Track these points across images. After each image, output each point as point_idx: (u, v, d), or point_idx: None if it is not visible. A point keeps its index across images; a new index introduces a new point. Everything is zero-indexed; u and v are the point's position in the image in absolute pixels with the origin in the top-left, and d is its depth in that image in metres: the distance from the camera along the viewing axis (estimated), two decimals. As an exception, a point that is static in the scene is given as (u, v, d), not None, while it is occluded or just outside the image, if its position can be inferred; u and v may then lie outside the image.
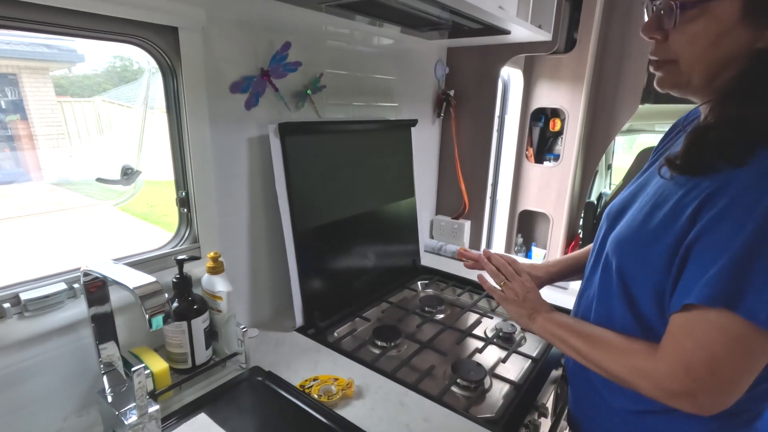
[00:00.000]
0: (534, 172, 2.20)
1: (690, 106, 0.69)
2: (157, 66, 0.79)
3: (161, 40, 0.75)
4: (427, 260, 1.48)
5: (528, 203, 2.21)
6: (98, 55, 0.98)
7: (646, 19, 0.61)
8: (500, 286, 0.82)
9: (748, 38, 0.50)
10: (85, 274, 0.62)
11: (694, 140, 0.55)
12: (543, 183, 2.16)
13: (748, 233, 0.46)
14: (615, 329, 0.63)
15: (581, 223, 2.33)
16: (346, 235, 1.14)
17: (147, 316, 0.52)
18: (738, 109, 0.51)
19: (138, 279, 0.54)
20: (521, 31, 1.15)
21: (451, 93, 1.49)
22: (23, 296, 0.65)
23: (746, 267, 0.47)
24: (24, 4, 0.59)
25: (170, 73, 0.79)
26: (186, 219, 0.87)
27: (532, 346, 1.05)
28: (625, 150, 3.67)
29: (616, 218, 0.68)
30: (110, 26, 0.69)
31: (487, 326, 1.12)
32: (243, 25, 0.87)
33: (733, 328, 0.48)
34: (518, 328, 1.09)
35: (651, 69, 0.60)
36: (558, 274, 0.90)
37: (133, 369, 0.61)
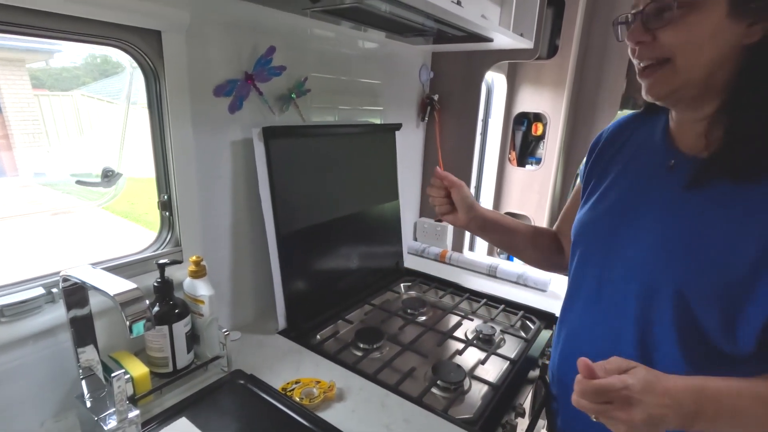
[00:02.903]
0: (516, 175, 2.24)
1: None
2: (138, 66, 0.78)
3: (144, 44, 0.75)
4: (410, 262, 1.50)
5: (510, 205, 2.25)
6: (77, 47, 0.96)
7: (618, 36, 0.63)
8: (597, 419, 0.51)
9: (737, 34, 0.52)
10: (65, 280, 0.62)
11: (747, 142, 0.53)
12: (525, 186, 2.21)
13: None
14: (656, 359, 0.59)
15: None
16: (329, 238, 1.15)
17: (128, 323, 0.52)
18: None
19: (118, 285, 0.54)
20: (504, 39, 1.17)
21: (436, 97, 1.51)
22: (0, 302, 0.64)
23: None
24: (5, 6, 0.58)
25: (153, 76, 0.79)
26: (168, 222, 0.87)
27: (510, 347, 1.08)
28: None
29: (608, 240, 0.66)
30: (91, 29, 0.68)
31: (468, 328, 1.14)
32: (227, 28, 0.87)
33: None
34: (498, 329, 1.11)
35: (641, 77, 0.60)
36: (489, 222, 0.85)
37: (112, 374, 0.61)
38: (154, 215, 0.89)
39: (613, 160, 0.73)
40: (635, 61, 0.60)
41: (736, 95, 0.55)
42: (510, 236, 0.89)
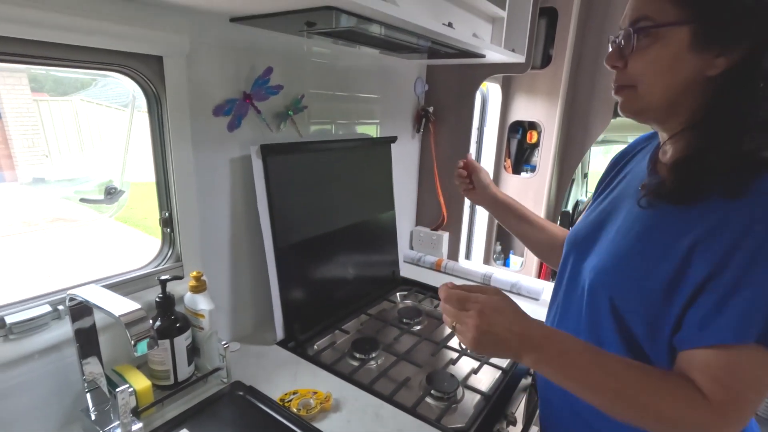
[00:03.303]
0: (512, 182, 2.27)
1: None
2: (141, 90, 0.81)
3: (147, 68, 0.78)
4: (406, 271, 1.53)
5: (506, 212, 2.28)
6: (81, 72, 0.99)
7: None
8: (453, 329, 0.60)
9: (699, 65, 0.54)
10: (71, 299, 0.64)
11: (682, 169, 0.56)
12: (520, 193, 2.24)
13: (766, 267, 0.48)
14: None
15: (558, 230, 2.41)
16: (326, 250, 1.18)
17: (132, 342, 0.54)
18: (720, 137, 0.54)
19: (123, 306, 0.57)
20: (496, 55, 1.20)
21: (431, 109, 1.54)
22: (8, 320, 0.67)
23: None
24: (8, 39, 0.61)
25: (155, 99, 0.82)
26: (169, 239, 0.90)
27: (503, 356, 1.11)
28: (603, 153, 3.81)
29: (586, 246, 0.71)
30: (96, 57, 0.71)
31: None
32: (225, 50, 0.90)
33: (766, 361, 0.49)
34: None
35: (615, 95, 0.63)
36: (500, 203, 1.01)
37: (117, 389, 0.64)
38: (153, 219, 0.91)
39: (616, 176, 0.78)
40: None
41: (693, 122, 0.57)
42: (517, 221, 1.00)
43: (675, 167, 0.58)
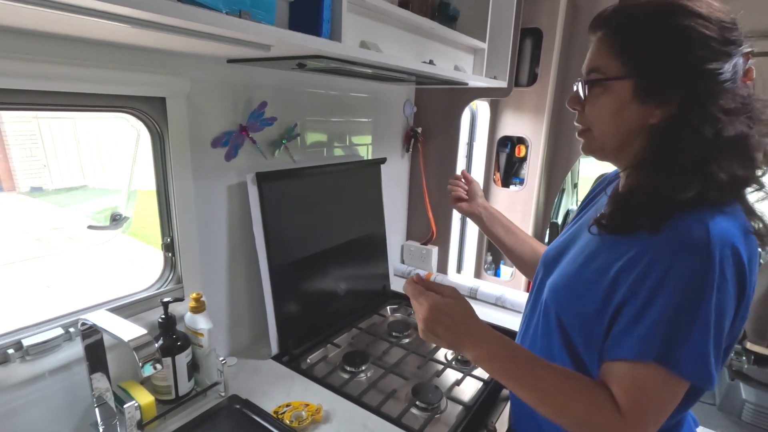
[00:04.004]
0: (501, 195, 2.34)
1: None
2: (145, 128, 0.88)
3: (151, 109, 0.85)
4: (397, 284, 1.59)
5: (496, 224, 2.35)
6: (91, 116, 1.06)
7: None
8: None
9: (642, 114, 0.61)
10: (82, 324, 0.71)
11: (617, 203, 0.64)
12: (509, 205, 2.31)
13: (668, 295, 0.54)
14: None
15: (546, 241, 2.49)
16: (318, 268, 1.25)
17: (140, 364, 0.61)
18: (649, 178, 0.60)
19: (131, 331, 0.64)
20: (479, 82, 1.28)
21: (419, 130, 1.62)
22: (25, 342, 0.73)
23: (671, 325, 0.54)
24: (21, 91, 0.68)
25: (158, 135, 0.89)
26: (170, 262, 0.97)
27: (486, 368, 1.17)
28: (591, 162, 3.88)
29: (553, 264, 0.78)
30: (105, 101, 0.78)
31: (448, 350, 1.23)
32: (223, 87, 0.97)
33: (672, 380, 0.56)
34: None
35: (578, 136, 0.71)
36: (491, 214, 1.07)
37: (125, 405, 0.70)
38: (150, 229, 0.97)
39: (591, 201, 0.86)
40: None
41: (635, 163, 0.65)
42: (504, 231, 1.05)
43: (613, 201, 0.66)
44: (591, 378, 0.63)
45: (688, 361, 0.54)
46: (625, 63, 0.61)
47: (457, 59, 1.19)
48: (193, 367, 0.93)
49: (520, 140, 2.32)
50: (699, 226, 0.55)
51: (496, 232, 1.05)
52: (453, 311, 0.65)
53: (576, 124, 0.70)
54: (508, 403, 1.11)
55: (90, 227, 0.95)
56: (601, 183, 0.87)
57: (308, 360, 1.16)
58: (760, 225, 0.60)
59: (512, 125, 2.22)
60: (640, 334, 0.56)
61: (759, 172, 0.60)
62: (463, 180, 1.09)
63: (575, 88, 0.69)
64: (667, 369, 0.55)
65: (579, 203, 0.92)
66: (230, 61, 0.93)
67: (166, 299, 0.87)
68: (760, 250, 0.62)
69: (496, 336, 0.65)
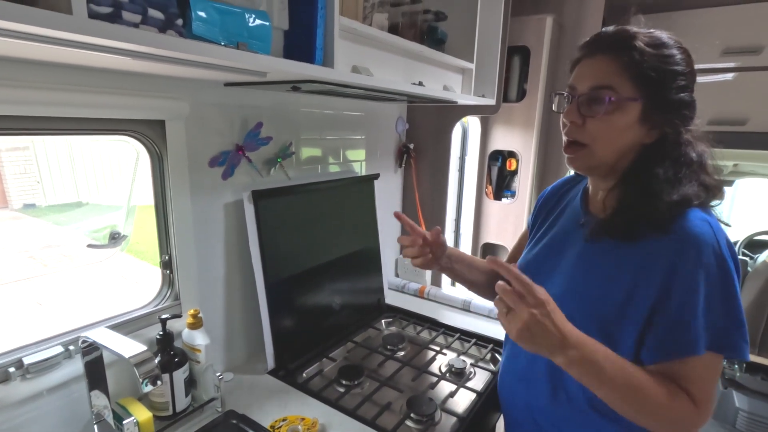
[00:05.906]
0: (493, 207, 2.38)
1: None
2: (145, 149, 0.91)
3: (151, 131, 0.88)
4: (391, 298, 1.62)
5: (489, 236, 2.39)
6: (92, 139, 1.09)
7: (555, 106, 0.75)
8: (504, 312, 0.64)
9: (641, 134, 0.69)
10: (83, 342, 0.73)
11: (623, 213, 0.70)
12: (501, 218, 2.35)
13: (702, 289, 0.62)
14: None
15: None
16: (314, 283, 1.27)
17: (141, 381, 0.63)
18: (648, 188, 0.68)
19: (131, 348, 0.66)
20: (468, 101, 1.33)
21: (411, 146, 1.66)
22: (26, 360, 0.74)
23: (714, 314, 0.63)
24: (22, 117, 0.70)
25: (157, 157, 0.91)
26: (168, 280, 0.99)
27: (480, 380, 1.19)
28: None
29: (536, 279, 0.81)
30: (106, 125, 0.81)
31: (442, 362, 1.25)
32: (220, 109, 1.01)
33: (720, 362, 0.65)
34: (468, 363, 1.23)
35: (565, 151, 0.73)
36: (458, 261, 1.00)
37: (124, 421, 0.72)
38: (145, 245, 0.98)
39: (550, 213, 0.90)
40: (563, 135, 0.74)
41: (625, 177, 0.71)
42: (468, 268, 1.02)
43: (621, 212, 0.70)
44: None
45: (738, 342, 0.63)
46: (639, 85, 0.66)
47: (446, 79, 1.24)
48: (191, 382, 0.95)
49: (511, 154, 2.37)
50: (702, 223, 0.65)
51: (465, 273, 1.01)
52: (554, 317, 0.62)
53: (567, 138, 0.72)
54: (501, 416, 1.13)
55: (90, 246, 0.97)
56: (552, 196, 0.91)
57: (304, 374, 1.17)
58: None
59: (503, 139, 2.27)
60: (691, 330, 0.63)
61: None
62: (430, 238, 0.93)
63: (567, 101, 0.72)
64: (719, 354, 0.63)
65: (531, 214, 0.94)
66: (227, 84, 0.96)
67: (164, 316, 0.89)
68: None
69: (588, 339, 0.65)
